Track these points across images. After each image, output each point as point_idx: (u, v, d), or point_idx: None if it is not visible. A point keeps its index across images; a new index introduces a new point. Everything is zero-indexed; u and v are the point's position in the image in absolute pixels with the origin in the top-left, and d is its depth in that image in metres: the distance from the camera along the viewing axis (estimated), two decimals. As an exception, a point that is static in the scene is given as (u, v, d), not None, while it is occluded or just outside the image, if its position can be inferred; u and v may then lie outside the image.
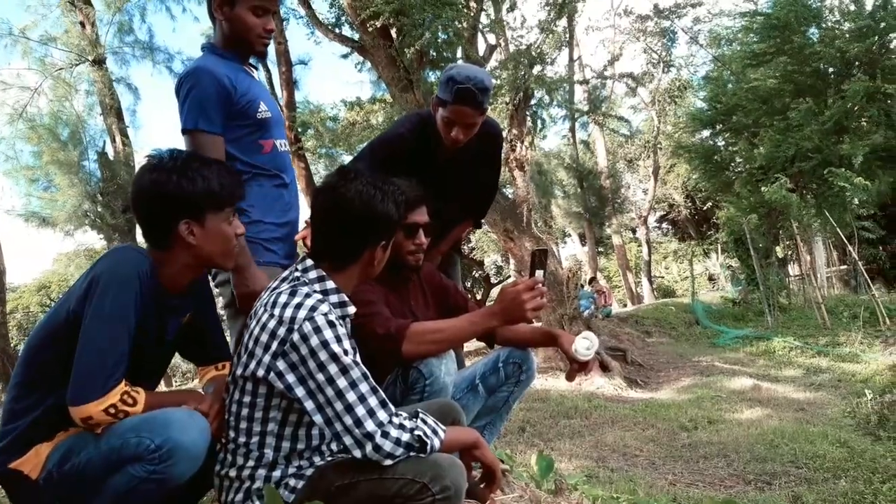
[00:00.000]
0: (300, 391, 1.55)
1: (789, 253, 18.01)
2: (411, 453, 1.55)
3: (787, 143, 13.02)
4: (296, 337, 1.53)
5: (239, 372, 1.65)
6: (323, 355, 1.52)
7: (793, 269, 18.48)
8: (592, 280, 18.50)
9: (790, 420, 6.38)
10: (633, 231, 33.13)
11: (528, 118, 11.10)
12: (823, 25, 13.95)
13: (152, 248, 1.74)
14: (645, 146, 28.21)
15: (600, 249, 31.33)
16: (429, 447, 1.56)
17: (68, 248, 34.52)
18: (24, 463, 1.60)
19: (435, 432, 1.59)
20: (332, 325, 1.56)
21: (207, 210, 1.70)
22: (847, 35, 12.97)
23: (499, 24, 11.08)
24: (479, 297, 28.68)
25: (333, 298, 1.68)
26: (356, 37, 11.41)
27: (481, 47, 11.53)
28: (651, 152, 26.82)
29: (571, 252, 36.41)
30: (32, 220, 17.36)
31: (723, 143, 17.92)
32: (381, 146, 2.81)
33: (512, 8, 10.86)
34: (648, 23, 21.27)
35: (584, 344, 2.20)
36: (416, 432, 1.55)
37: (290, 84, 15.45)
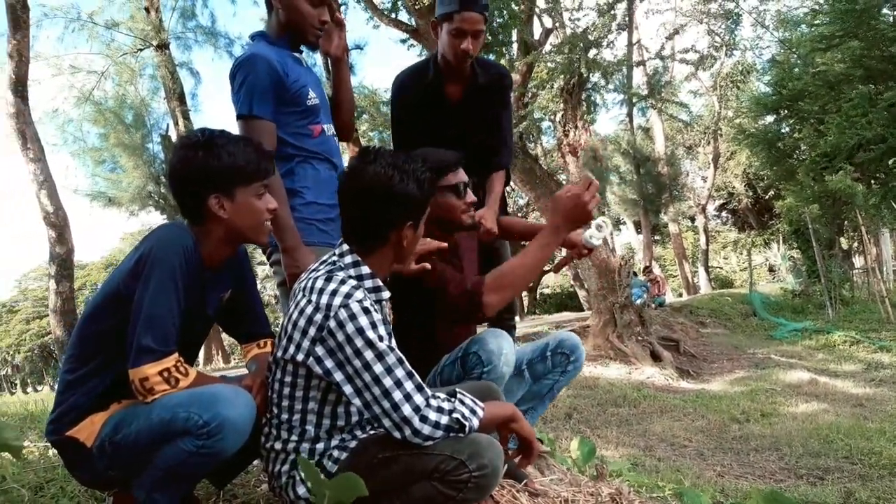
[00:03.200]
0: (338, 376, 1.59)
1: (854, 245, 17.37)
2: (450, 434, 1.57)
3: (850, 132, 12.48)
4: (332, 324, 1.57)
5: (279, 354, 1.70)
6: (359, 342, 1.56)
7: (858, 262, 17.81)
8: (647, 269, 18.16)
9: (847, 415, 6.20)
10: (692, 219, 32.37)
11: (583, 103, 10.93)
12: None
13: (189, 223, 1.80)
14: (705, 132, 27.48)
15: (656, 238, 30.71)
16: (468, 428, 1.58)
17: (133, 228, 35.85)
18: (79, 431, 1.68)
19: (473, 412, 1.61)
20: (367, 311, 1.59)
21: (236, 184, 1.75)
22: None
23: (555, 6, 10.91)
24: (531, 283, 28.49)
25: (368, 283, 1.70)
26: (412, 21, 11.41)
27: (536, 31, 11.40)
28: (711, 138, 26.14)
29: (626, 240, 35.85)
30: (99, 200, 18.08)
31: (787, 129, 17.35)
32: (394, 107, 2.93)
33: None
34: (711, 4, 20.57)
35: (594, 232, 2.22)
36: (455, 414, 1.58)
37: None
